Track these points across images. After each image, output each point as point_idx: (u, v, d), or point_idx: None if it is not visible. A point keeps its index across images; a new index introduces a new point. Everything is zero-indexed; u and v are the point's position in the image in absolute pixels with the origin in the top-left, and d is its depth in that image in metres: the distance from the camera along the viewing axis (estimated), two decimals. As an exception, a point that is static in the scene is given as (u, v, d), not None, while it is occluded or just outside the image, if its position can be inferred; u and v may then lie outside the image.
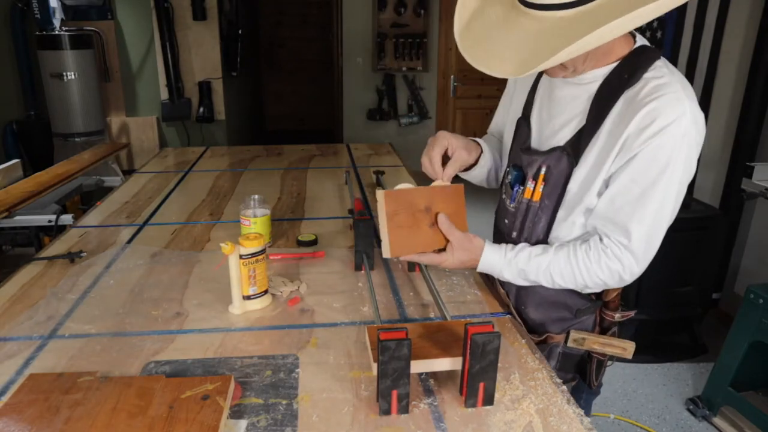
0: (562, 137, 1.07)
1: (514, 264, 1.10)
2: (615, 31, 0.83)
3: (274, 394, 0.95)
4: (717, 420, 2.30)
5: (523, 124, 1.18)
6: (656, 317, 2.75)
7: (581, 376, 1.25)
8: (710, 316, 3.00)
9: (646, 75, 0.98)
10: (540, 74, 1.16)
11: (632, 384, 2.57)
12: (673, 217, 1.04)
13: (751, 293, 2.15)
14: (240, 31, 5.31)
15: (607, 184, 1.03)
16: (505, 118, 1.31)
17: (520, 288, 1.20)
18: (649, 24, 3.43)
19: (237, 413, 0.91)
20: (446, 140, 1.19)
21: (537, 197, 1.10)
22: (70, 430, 0.83)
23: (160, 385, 0.92)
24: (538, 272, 1.09)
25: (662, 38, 3.33)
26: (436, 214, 1.11)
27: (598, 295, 1.17)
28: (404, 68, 5.47)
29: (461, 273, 1.42)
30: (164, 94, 4.87)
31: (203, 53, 4.90)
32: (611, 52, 1.00)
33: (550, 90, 1.12)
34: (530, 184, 1.11)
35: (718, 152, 2.98)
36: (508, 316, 1.23)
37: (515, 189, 1.15)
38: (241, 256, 1.20)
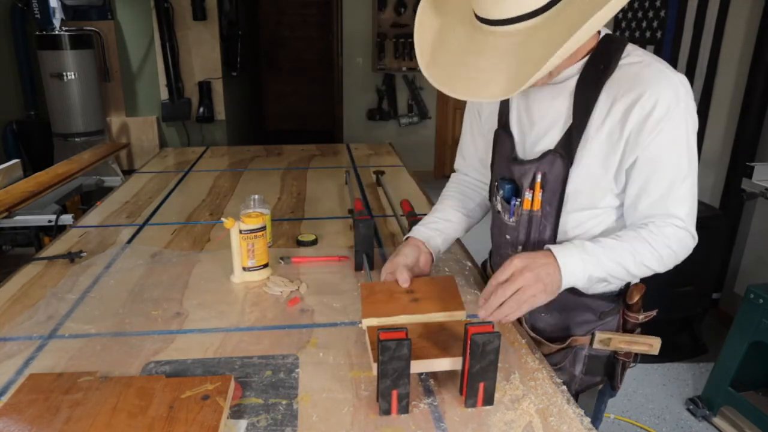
0: (551, 140, 1.05)
1: (595, 255, 0.99)
2: (594, 24, 0.81)
3: (274, 394, 0.95)
4: (717, 420, 2.30)
5: (503, 134, 1.14)
6: (656, 317, 2.75)
7: (609, 378, 1.21)
8: (710, 316, 3.00)
9: (623, 62, 0.98)
10: None
11: (632, 384, 2.57)
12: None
13: (751, 293, 2.14)
14: (240, 31, 5.32)
15: (620, 176, 1.01)
16: (477, 145, 1.28)
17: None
18: (649, 24, 3.43)
19: (237, 413, 0.90)
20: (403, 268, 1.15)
21: (537, 206, 1.07)
22: (70, 430, 0.83)
23: (160, 384, 0.92)
24: (624, 259, 1.00)
25: (662, 38, 3.33)
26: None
27: (621, 297, 1.15)
28: (404, 68, 5.47)
29: (461, 273, 1.42)
30: (164, 94, 4.87)
31: (203, 53, 4.90)
32: (580, 48, 0.98)
33: (526, 96, 1.09)
34: (528, 195, 1.08)
35: (718, 152, 2.98)
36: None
37: (512, 203, 1.11)
38: (240, 231, 1.32)
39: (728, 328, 2.28)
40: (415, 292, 1.11)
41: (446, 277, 1.18)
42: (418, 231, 1.25)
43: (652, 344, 1.13)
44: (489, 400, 0.92)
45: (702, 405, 2.35)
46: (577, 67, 1.00)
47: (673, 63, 3.23)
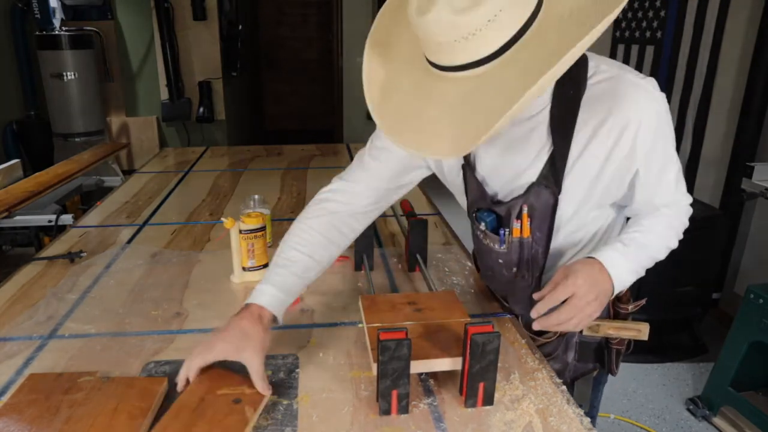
0: (533, 172, 1.00)
1: (632, 255, 1.01)
2: (556, 73, 0.74)
3: (274, 394, 0.95)
4: (717, 420, 2.30)
5: (470, 173, 1.07)
6: (656, 317, 2.74)
7: (601, 365, 1.23)
8: (710, 316, 3.00)
9: (591, 81, 0.95)
10: None
11: (632, 384, 2.57)
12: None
13: (751, 293, 2.14)
14: (240, 31, 5.31)
15: (619, 189, 1.01)
16: (390, 165, 1.12)
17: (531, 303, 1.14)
18: (649, 24, 3.43)
19: (237, 413, 0.90)
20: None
21: (527, 234, 1.04)
22: (70, 430, 0.83)
23: (200, 375, 0.92)
24: (656, 248, 1.05)
25: (662, 38, 3.33)
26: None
27: None
28: (404, 68, 5.47)
29: (461, 273, 1.42)
30: (164, 94, 4.86)
31: (203, 53, 4.90)
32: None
33: (496, 135, 0.95)
34: (516, 224, 1.04)
35: (718, 152, 2.98)
36: (509, 316, 1.23)
37: (501, 233, 1.06)
38: (240, 231, 1.33)
39: (728, 328, 2.28)
40: (417, 304, 1.11)
41: (447, 291, 1.18)
42: (271, 307, 0.99)
43: (641, 330, 1.15)
44: (489, 400, 0.92)
45: (702, 405, 2.35)
46: (547, 95, 0.96)
47: (673, 63, 3.23)
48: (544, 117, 0.97)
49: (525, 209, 1.02)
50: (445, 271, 1.43)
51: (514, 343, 1.11)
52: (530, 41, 0.76)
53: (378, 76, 0.91)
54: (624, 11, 3.70)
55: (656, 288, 2.70)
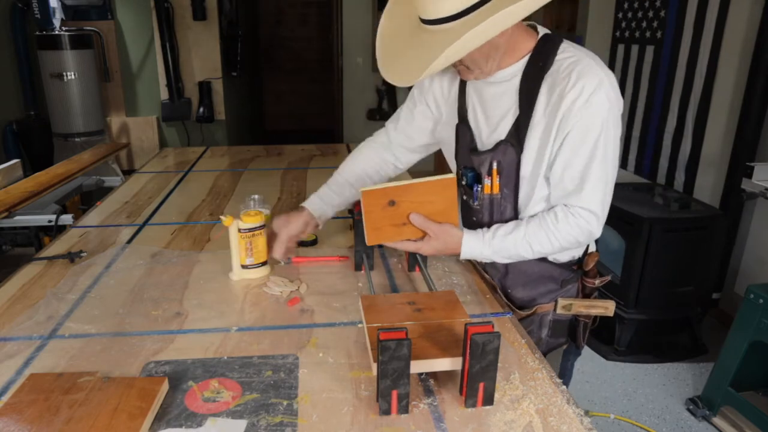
0: (502, 131, 1.19)
1: (494, 244, 1.19)
2: (488, 30, 0.97)
3: (274, 394, 0.95)
4: (717, 420, 2.30)
5: (463, 127, 1.28)
6: (656, 317, 2.75)
7: (572, 339, 1.37)
8: (710, 316, 3.00)
9: (557, 58, 1.11)
10: (464, 81, 1.27)
11: (632, 384, 2.57)
12: (615, 174, 1.17)
13: (751, 293, 2.14)
14: (240, 31, 5.31)
15: (553, 159, 1.14)
16: (411, 125, 1.43)
17: (506, 272, 1.31)
18: (649, 24, 3.43)
19: (237, 413, 0.91)
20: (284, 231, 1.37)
21: (496, 190, 1.21)
22: (70, 430, 0.83)
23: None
24: (517, 245, 1.18)
25: (662, 38, 3.33)
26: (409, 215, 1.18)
27: (579, 266, 1.30)
28: (404, 68, 5.47)
29: (461, 273, 1.42)
30: (164, 94, 4.87)
31: (203, 53, 4.90)
32: (516, 48, 1.14)
33: (479, 93, 1.23)
34: (487, 180, 1.22)
35: (718, 152, 2.98)
36: (509, 315, 1.23)
37: (475, 189, 1.25)
38: (239, 230, 1.34)
39: (728, 328, 2.28)
40: (416, 304, 1.11)
41: (447, 291, 1.18)
42: (314, 205, 1.42)
43: (608, 307, 1.28)
44: (489, 400, 0.92)
45: (702, 405, 2.35)
46: (520, 65, 1.15)
47: (673, 63, 3.24)
48: (515, 84, 1.16)
49: (495, 164, 1.19)
50: (445, 271, 1.43)
51: (514, 343, 1.11)
52: (491, 7, 0.98)
53: (389, 29, 1.17)
54: (624, 11, 3.70)
55: (656, 288, 2.72)
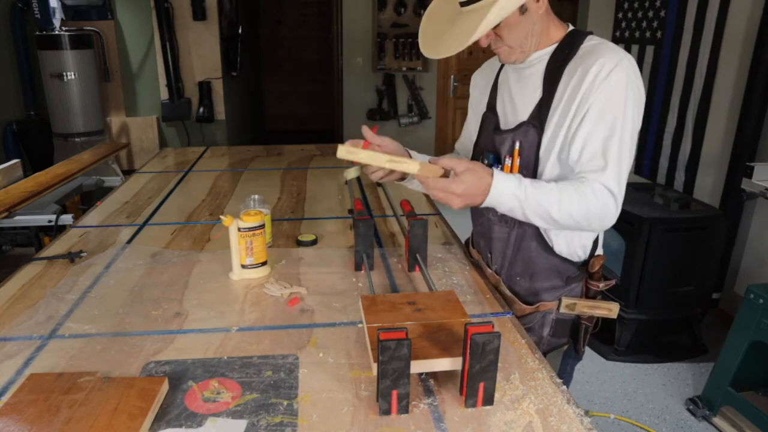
0: (525, 113, 1.22)
1: (527, 187, 1.10)
2: (507, 5, 1.05)
3: (274, 394, 0.95)
4: (717, 420, 2.30)
5: (489, 115, 1.33)
6: (656, 317, 2.75)
7: (573, 340, 1.35)
8: (710, 316, 3.00)
9: (583, 45, 1.17)
10: (499, 71, 1.33)
11: (632, 384, 2.57)
12: (631, 161, 1.16)
13: (751, 293, 2.14)
14: (240, 31, 5.31)
15: (572, 136, 1.14)
16: (467, 133, 1.46)
17: (514, 259, 1.31)
18: (649, 24, 3.43)
19: (237, 413, 0.91)
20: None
21: (516, 170, 1.21)
22: (70, 430, 0.83)
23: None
24: (550, 196, 1.10)
25: (662, 38, 3.33)
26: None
27: (585, 265, 1.29)
28: (404, 68, 5.47)
29: (461, 273, 1.42)
30: (164, 94, 4.86)
31: (203, 53, 4.90)
32: (548, 34, 1.19)
33: (508, 81, 1.29)
34: (507, 161, 1.23)
35: (718, 152, 2.98)
36: (509, 315, 1.23)
37: (495, 167, 1.21)
38: (239, 229, 1.34)
39: (728, 328, 2.28)
40: (417, 304, 1.11)
41: (447, 291, 1.18)
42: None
43: (611, 309, 1.27)
44: (489, 400, 0.92)
45: (702, 405, 2.35)
46: (548, 50, 1.19)
47: (673, 63, 3.23)
48: (541, 68, 1.20)
49: (516, 145, 1.21)
50: (445, 271, 1.43)
51: (514, 343, 1.11)
52: None
53: (432, 11, 1.24)
54: (624, 11, 3.70)
55: (656, 288, 2.71)
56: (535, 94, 1.20)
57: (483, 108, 1.36)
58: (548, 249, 1.25)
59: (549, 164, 1.18)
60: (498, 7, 1.04)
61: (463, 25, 1.11)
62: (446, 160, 1.10)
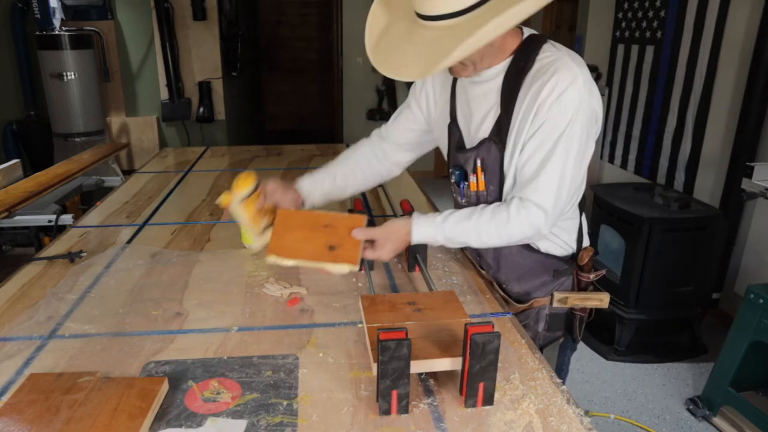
0: (486, 129, 1.21)
1: (446, 229, 1.19)
2: (496, 29, 0.97)
3: (274, 394, 0.95)
4: (717, 420, 2.30)
5: (453, 127, 1.30)
6: (656, 317, 2.75)
7: (568, 332, 1.38)
8: (710, 316, 3.00)
9: (538, 57, 1.12)
10: (455, 81, 1.29)
11: (632, 384, 2.57)
12: (581, 176, 1.18)
13: (751, 293, 2.14)
14: (240, 31, 5.31)
15: (521, 150, 1.15)
16: (402, 122, 1.45)
17: (498, 267, 1.34)
18: (649, 24, 3.43)
19: (237, 413, 0.91)
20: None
21: (482, 187, 1.23)
22: (70, 430, 0.83)
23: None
24: (467, 233, 1.18)
25: (662, 38, 3.33)
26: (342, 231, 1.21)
27: (573, 259, 1.31)
28: (404, 68, 5.47)
29: (461, 273, 1.42)
30: (164, 94, 4.86)
31: (203, 53, 4.90)
32: (504, 48, 1.14)
33: (465, 92, 1.25)
34: (472, 178, 1.24)
35: (718, 152, 2.98)
36: (509, 316, 1.23)
37: (461, 186, 1.28)
38: (242, 199, 1.28)
39: (728, 328, 2.28)
40: (417, 304, 1.11)
41: (447, 291, 1.18)
42: (304, 184, 1.43)
43: (602, 299, 1.31)
44: (489, 400, 0.92)
45: (702, 405, 2.35)
46: (504, 65, 1.16)
47: (673, 63, 3.23)
48: (498, 83, 1.17)
49: (479, 162, 1.22)
50: (445, 271, 1.43)
51: (514, 343, 1.11)
52: (492, 6, 0.98)
53: (378, 23, 1.19)
54: (624, 11, 3.70)
55: (656, 288, 2.71)
56: (493, 110, 1.18)
57: (446, 117, 1.33)
58: (531, 248, 1.27)
59: (512, 178, 1.20)
60: (477, 37, 0.96)
61: (427, 43, 1.04)
62: (361, 233, 1.18)
